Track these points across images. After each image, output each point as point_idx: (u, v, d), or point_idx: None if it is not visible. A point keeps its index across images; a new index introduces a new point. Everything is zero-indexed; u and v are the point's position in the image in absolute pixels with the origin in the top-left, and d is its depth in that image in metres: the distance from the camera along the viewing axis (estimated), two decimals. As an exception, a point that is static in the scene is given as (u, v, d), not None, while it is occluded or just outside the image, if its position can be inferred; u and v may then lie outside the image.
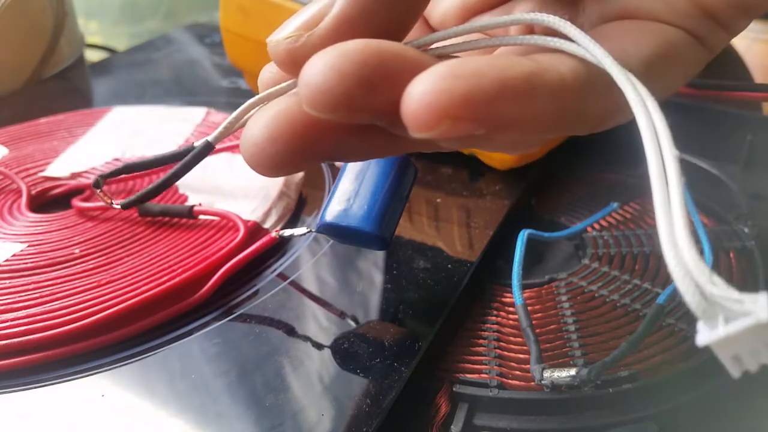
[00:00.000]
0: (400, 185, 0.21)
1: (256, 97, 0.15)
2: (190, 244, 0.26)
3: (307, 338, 0.22)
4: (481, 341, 0.24)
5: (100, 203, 0.28)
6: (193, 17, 0.68)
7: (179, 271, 0.24)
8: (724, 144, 0.33)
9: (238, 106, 0.16)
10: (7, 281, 0.25)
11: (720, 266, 0.26)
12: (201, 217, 0.28)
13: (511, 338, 0.24)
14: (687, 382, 0.21)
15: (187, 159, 0.21)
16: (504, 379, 0.22)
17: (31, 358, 0.22)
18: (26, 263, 0.26)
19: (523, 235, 0.25)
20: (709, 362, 0.22)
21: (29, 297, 0.24)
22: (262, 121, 0.13)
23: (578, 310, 0.25)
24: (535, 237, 0.26)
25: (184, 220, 0.28)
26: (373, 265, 0.26)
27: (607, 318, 0.24)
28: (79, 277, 0.25)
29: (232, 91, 0.46)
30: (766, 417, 0.21)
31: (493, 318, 0.25)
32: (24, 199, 0.31)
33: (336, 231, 0.21)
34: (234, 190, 0.30)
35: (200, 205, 0.28)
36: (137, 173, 0.31)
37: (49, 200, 0.32)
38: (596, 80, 0.13)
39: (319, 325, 0.23)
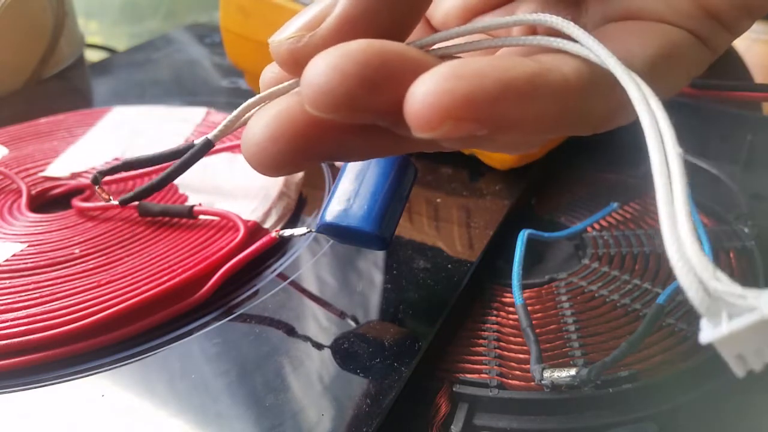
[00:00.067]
0: (400, 185, 0.21)
1: (257, 96, 0.15)
2: (190, 244, 0.26)
3: (307, 338, 0.22)
4: (481, 341, 0.24)
5: (100, 203, 0.28)
6: (193, 17, 0.68)
7: (179, 271, 0.24)
8: (724, 144, 0.33)
9: (238, 106, 0.16)
10: (7, 281, 0.25)
11: (720, 266, 0.26)
12: (201, 217, 0.28)
13: (511, 338, 0.24)
14: (687, 382, 0.21)
15: (186, 156, 0.21)
16: (504, 379, 0.22)
17: (31, 358, 0.21)
18: (26, 263, 0.26)
19: (523, 235, 0.25)
20: (709, 362, 0.22)
21: (29, 297, 0.24)
22: (264, 120, 0.13)
23: (578, 310, 0.25)
24: (535, 237, 0.26)
25: (184, 220, 0.28)
26: (373, 265, 0.26)
27: (607, 318, 0.24)
28: (79, 277, 0.25)
29: (232, 91, 0.46)
30: (766, 417, 0.21)
31: (493, 318, 0.25)
32: (24, 199, 0.31)
33: (336, 231, 0.21)
34: (234, 190, 0.30)
35: (200, 205, 0.28)
36: (136, 173, 0.31)
37: (49, 200, 0.32)
38: (599, 81, 0.13)
39: (319, 325, 0.23)
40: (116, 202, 0.27)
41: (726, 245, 0.27)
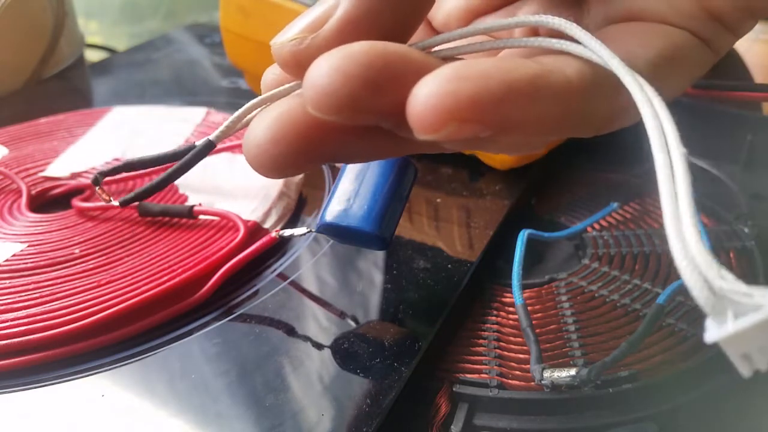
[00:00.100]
0: (400, 185, 0.21)
1: (259, 97, 0.15)
2: (190, 244, 0.26)
3: (307, 338, 0.22)
4: (481, 341, 0.24)
5: (100, 203, 0.28)
6: (193, 17, 0.68)
7: (179, 271, 0.24)
8: (724, 144, 0.33)
9: (239, 106, 0.16)
10: (7, 281, 0.25)
11: (720, 266, 0.26)
12: (201, 217, 0.28)
13: (511, 338, 0.24)
14: (687, 382, 0.21)
15: (187, 157, 0.21)
16: (504, 379, 0.22)
17: (31, 358, 0.22)
18: (26, 263, 0.26)
19: (523, 235, 0.25)
20: (709, 362, 0.22)
21: (29, 297, 0.24)
22: (265, 122, 0.13)
23: (578, 310, 0.25)
24: (535, 237, 0.26)
25: (184, 220, 0.28)
26: (373, 265, 0.26)
27: (607, 318, 0.24)
28: (79, 277, 0.25)
29: (232, 91, 0.46)
30: (766, 417, 0.21)
31: (493, 318, 0.25)
32: (24, 199, 0.31)
33: (336, 231, 0.21)
34: (234, 190, 0.30)
35: (200, 205, 0.28)
36: (137, 173, 0.31)
37: (49, 200, 0.32)
38: (602, 82, 0.13)
39: (319, 325, 0.23)
40: (116, 203, 0.27)
41: (726, 245, 0.27)
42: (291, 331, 0.23)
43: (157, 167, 0.29)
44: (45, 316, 0.23)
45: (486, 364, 0.22)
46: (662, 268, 0.26)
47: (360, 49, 0.12)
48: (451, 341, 0.24)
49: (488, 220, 0.29)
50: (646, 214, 0.30)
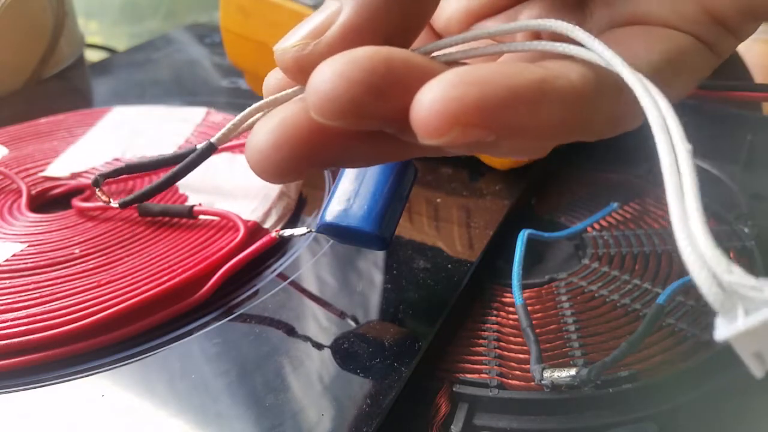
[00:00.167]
0: (400, 185, 0.21)
1: (262, 101, 0.15)
2: (190, 244, 0.26)
3: (307, 338, 0.22)
4: (481, 341, 0.24)
5: (100, 203, 0.28)
6: (193, 17, 0.68)
7: (179, 271, 0.24)
8: (724, 144, 0.33)
9: (239, 106, 0.16)
10: (7, 281, 0.25)
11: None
12: (201, 217, 0.28)
13: (511, 338, 0.24)
14: (687, 382, 0.21)
15: (188, 160, 0.21)
16: (504, 379, 0.22)
17: (31, 358, 0.22)
18: (26, 263, 0.26)
19: (523, 235, 0.25)
20: (709, 362, 0.22)
21: (29, 297, 0.24)
22: (268, 127, 0.13)
23: (578, 310, 0.25)
24: (535, 237, 0.26)
25: (184, 220, 0.28)
26: (373, 265, 0.26)
27: (607, 318, 0.24)
28: (79, 277, 0.25)
29: (232, 91, 0.46)
30: (766, 417, 0.21)
31: (493, 318, 0.25)
32: (24, 199, 0.31)
33: (336, 231, 0.21)
34: (234, 190, 0.30)
35: (200, 205, 0.28)
36: (138, 174, 0.31)
37: (49, 200, 0.32)
38: (605, 86, 0.13)
39: (319, 325, 0.23)
40: (116, 204, 0.27)
41: (726, 245, 0.27)
42: (291, 331, 0.23)
43: (158, 169, 0.29)
44: (45, 316, 0.23)
45: (486, 364, 0.22)
46: (662, 268, 0.26)
47: (363, 54, 0.12)
48: (451, 341, 0.24)
49: (488, 220, 0.29)
50: (646, 214, 0.30)
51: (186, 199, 0.30)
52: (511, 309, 0.25)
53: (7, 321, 0.22)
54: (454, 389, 0.21)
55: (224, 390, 0.20)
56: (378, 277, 0.26)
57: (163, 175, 0.24)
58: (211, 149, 0.19)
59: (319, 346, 0.22)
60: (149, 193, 0.25)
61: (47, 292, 0.24)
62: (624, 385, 0.21)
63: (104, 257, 0.26)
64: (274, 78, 0.16)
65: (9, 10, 0.45)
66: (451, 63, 0.14)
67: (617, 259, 0.27)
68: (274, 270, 0.26)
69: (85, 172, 0.33)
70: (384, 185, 0.21)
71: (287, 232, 0.25)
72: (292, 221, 0.30)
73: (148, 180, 0.32)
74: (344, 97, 0.11)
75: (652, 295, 0.25)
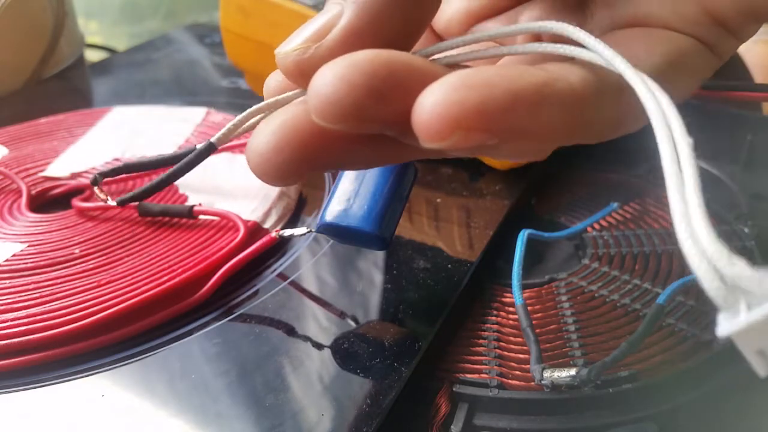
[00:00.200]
0: (400, 185, 0.21)
1: (263, 102, 0.15)
2: (190, 244, 0.26)
3: (307, 338, 0.22)
4: (481, 341, 0.24)
5: (100, 203, 0.28)
6: (193, 17, 0.68)
7: (179, 271, 0.24)
8: (724, 144, 0.33)
9: (239, 106, 0.16)
10: (7, 281, 0.25)
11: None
12: (201, 217, 0.28)
13: (511, 338, 0.24)
14: (687, 382, 0.21)
15: (188, 159, 0.21)
16: (504, 379, 0.22)
17: (31, 358, 0.21)
18: (26, 263, 0.26)
19: (523, 235, 0.25)
20: (709, 362, 0.22)
21: (29, 297, 0.24)
22: (269, 129, 0.13)
23: (578, 310, 0.25)
24: (535, 237, 0.26)
25: (184, 220, 0.28)
26: (373, 265, 0.26)
27: (607, 318, 0.24)
28: (79, 277, 0.25)
29: (232, 91, 0.46)
30: (766, 417, 0.21)
31: (493, 318, 0.25)
32: (24, 199, 0.31)
33: (336, 231, 0.21)
34: (234, 190, 0.30)
35: (200, 205, 0.28)
36: (137, 173, 0.31)
37: (49, 200, 0.32)
38: (606, 89, 0.13)
39: (319, 325, 0.23)
40: (114, 203, 0.27)
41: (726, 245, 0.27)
42: (291, 331, 0.23)
43: (158, 169, 0.29)
44: (45, 316, 0.23)
45: (486, 364, 0.22)
46: (662, 268, 0.26)
47: (364, 57, 0.12)
48: (451, 341, 0.24)
49: (488, 220, 0.29)
50: (646, 214, 0.30)
51: (186, 199, 0.30)
52: (511, 309, 0.25)
53: (7, 321, 0.22)
54: (454, 389, 0.21)
55: (224, 390, 0.20)
56: (378, 277, 0.26)
57: (162, 174, 0.24)
58: (210, 149, 0.19)
59: (319, 346, 0.22)
60: (148, 192, 0.25)
61: (47, 292, 0.24)
62: (624, 385, 0.21)
63: (104, 257, 0.26)
64: (274, 80, 0.16)
65: (9, 10, 0.45)
66: (452, 65, 0.14)
67: (617, 259, 0.27)
68: (274, 270, 0.26)
69: (85, 172, 0.33)
70: (384, 185, 0.21)
71: (287, 232, 0.25)
72: (292, 221, 0.30)
73: (147, 180, 0.32)
74: (345, 100, 0.11)
75: (652, 295, 0.25)
